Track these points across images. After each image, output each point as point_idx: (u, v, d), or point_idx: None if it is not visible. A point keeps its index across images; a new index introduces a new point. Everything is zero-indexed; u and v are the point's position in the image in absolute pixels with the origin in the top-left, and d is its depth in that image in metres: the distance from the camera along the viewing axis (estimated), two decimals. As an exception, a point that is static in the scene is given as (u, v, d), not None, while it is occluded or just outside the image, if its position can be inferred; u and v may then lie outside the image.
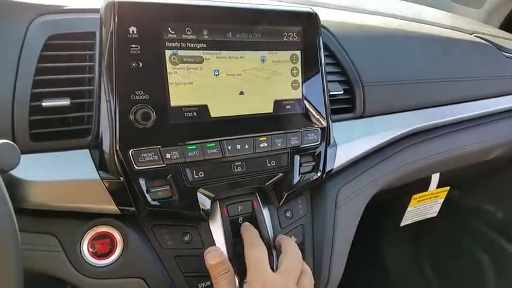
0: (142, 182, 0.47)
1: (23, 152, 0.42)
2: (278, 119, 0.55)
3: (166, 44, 0.47)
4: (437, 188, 1.05)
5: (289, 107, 0.56)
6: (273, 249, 0.57)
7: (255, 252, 0.50)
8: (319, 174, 0.59)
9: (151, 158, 0.47)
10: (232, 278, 0.49)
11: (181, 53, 0.48)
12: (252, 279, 0.47)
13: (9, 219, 0.36)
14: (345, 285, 0.68)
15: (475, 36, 0.97)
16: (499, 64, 0.93)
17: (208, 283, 0.53)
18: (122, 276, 0.50)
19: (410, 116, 0.75)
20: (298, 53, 0.56)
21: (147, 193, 0.48)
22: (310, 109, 0.58)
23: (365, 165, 0.68)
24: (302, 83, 0.57)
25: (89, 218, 0.50)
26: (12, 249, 0.36)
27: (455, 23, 1.04)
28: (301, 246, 0.61)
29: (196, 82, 0.49)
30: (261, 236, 0.55)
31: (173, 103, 0.48)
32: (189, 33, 0.49)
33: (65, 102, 0.48)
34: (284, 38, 0.55)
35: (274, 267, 0.54)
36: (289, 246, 0.53)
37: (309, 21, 0.57)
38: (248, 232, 0.54)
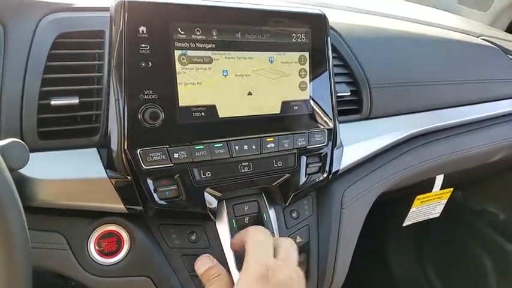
0: (149, 181, 0.47)
1: (31, 150, 0.42)
2: (285, 119, 0.55)
3: (176, 44, 0.47)
4: (441, 189, 1.05)
5: (296, 107, 0.56)
6: None
7: (259, 235, 0.49)
8: (325, 175, 0.59)
9: (159, 157, 0.47)
10: (224, 281, 0.48)
11: (190, 53, 0.48)
12: (252, 260, 0.44)
13: (19, 217, 0.36)
14: (347, 285, 0.68)
15: (481, 39, 0.96)
16: (505, 67, 0.93)
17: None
18: (129, 274, 0.51)
19: (417, 118, 0.75)
20: (307, 54, 0.56)
21: (155, 192, 0.48)
22: (318, 110, 0.58)
23: (371, 166, 0.68)
24: (310, 84, 0.57)
25: (96, 216, 0.50)
26: (21, 246, 0.36)
27: (461, 26, 1.04)
28: (306, 246, 0.61)
29: (205, 82, 0.49)
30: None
31: (182, 103, 0.48)
32: (198, 33, 0.48)
33: (74, 100, 0.48)
34: (293, 39, 0.55)
35: None
36: (282, 238, 0.52)
37: (317, 22, 0.57)
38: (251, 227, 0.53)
